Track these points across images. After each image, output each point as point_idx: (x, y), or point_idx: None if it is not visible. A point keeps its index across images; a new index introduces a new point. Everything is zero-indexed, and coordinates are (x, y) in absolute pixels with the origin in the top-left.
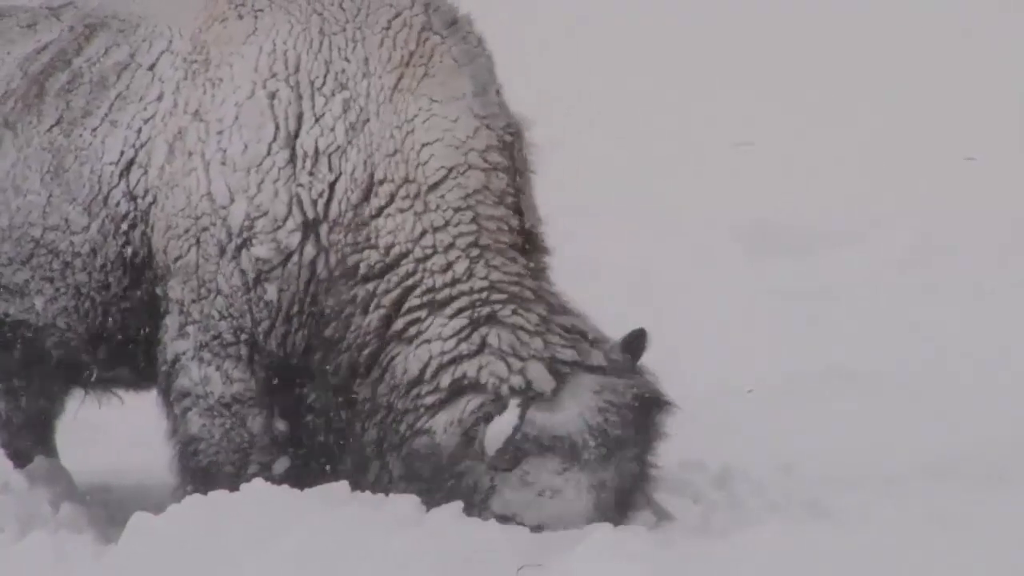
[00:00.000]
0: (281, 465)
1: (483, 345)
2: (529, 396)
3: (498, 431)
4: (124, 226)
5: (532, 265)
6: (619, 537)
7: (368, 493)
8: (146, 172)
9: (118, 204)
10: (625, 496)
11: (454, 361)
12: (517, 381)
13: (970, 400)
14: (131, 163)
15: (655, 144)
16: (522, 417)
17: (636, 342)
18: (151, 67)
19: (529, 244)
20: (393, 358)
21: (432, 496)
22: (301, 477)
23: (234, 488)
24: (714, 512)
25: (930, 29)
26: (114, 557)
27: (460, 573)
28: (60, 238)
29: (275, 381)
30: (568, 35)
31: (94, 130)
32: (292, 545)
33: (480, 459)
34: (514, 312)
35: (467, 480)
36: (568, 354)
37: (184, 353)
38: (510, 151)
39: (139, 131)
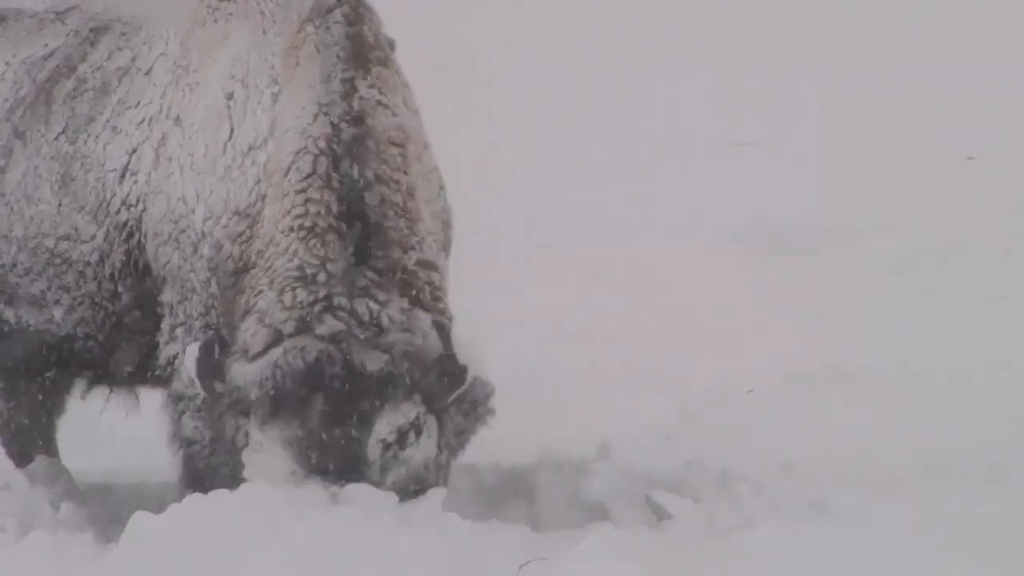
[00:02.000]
0: None
1: (260, 313)
2: (241, 346)
3: (187, 362)
4: (124, 234)
5: (357, 250)
6: (619, 537)
7: (368, 493)
8: (136, 179)
9: (118, 212)
10: (328, 463)
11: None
12: (248, 342)
13: (970, 400)
14: (126, 170)
15: (655, 144)
16: (204, 348)
17: (441, 334)
18: (148, 71)
19: (365, 229)
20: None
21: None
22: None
23: (231, 489)
24: (714, 512)
25: (930, 28)
26: (114, 557)
27: (460, 573)
28: (72, 247)
29: None
30: (569, 35)
31: (97, 137)
32: (292, 545)
33: (228, 414)
34: (291, 289)
35: (229, 440)
36: (292, 327)
37: (176, 356)
38: (342, 138)
39: (132, 136)
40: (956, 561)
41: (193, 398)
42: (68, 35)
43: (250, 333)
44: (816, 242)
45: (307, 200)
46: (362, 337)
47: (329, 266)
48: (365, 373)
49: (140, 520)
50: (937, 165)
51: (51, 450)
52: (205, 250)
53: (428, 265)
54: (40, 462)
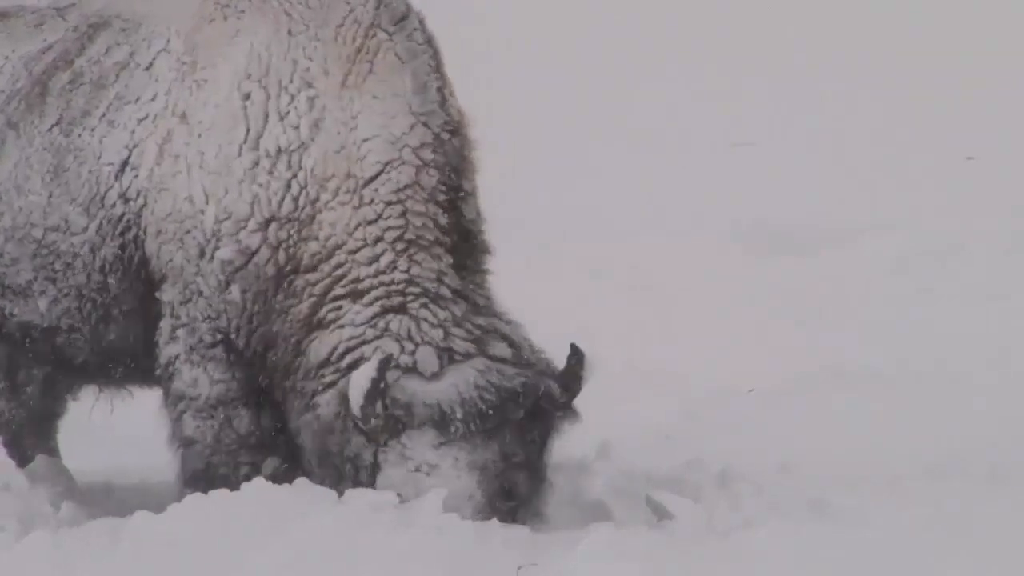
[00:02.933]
0: (270, 465)
1: (385, 330)
2: (403, 365)
3: (358, 380)
4: (120, 228)
5: (459, 263)
6: (619, 537)
7: (368, 493)
8: (137, 174)
9: (114, 205)
10: (514, 488)
11: (359, 344)
12: (405, 360)
13: (970, 400)
14: (125, 164)
15: (655, 144)
16: (381, 369)
17: (575, 359)
18: (148, 67)
19: (462, 242)
20: (311, 343)
21: (339, 483)
22: (291, 476)
23: (231, 488)
24: (714, 512)
25: (930, 28)
26: (115, 557)
27: (460, 573)
28: (61, 239)
29: (254, 381)
30: (569, 35)
31: (92, 130)
32: (292, 545)
33: (359, 431)
34: (423, 306)
35: (351, 456)
36: (466, 347)
37: (177, 356)
38: (445, 149)
39: (133, 132)
40: (956, 561)
41: (195, 398)
42: (67, 30)
43: (398, 350)
44: (816, 242)
45: (405, 211)
46: (534, 362)
47: (447, 280)
48: (559, 403)
49: (141, 520)
50: (937, 165)
51: (51, 450)
52: (222, 254)
53: (488, 273)
54: (40, 462)
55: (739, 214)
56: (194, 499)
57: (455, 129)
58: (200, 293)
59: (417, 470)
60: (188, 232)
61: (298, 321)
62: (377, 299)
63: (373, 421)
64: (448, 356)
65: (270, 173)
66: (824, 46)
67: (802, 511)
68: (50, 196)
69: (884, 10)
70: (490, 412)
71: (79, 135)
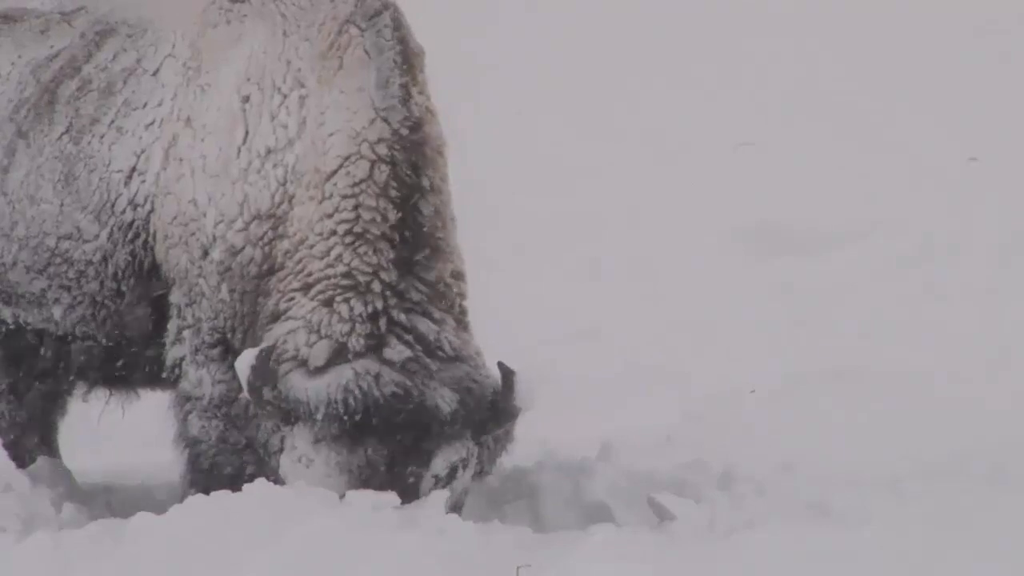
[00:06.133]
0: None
1: (308, 322)
2: (300, 357)
3: (240, 366)
4: (130, 234)
5: (406, 259)
6: (621, 538)
7: (369, 494)
8: (144, 179)
9: (123, 212)
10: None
11: (287, 334)
12: (304, 353)
13: (970, 400)
14: (133, 170)
15: (656, 144)
16: (262, 357)
17: (506, 384)
18: (155, 72)
19: (415, 239)
20: (264, 336)
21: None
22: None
23: (235, 488)
24: (715, 512)
25: (931, 29)
26: (116, 558)
27: (460, 573)
28: (73, 247)
29: None
30: (571, 35)
31: (102, 137)
32: (292, 545)
33: (263, 416)
34: (345, 300)
35: (263, 442)
36: (360, 343)
37: (183, 358)
38: (403, 145)
39: (140, 138)
40: (956, 561)
41: (200, 398)
42: (74, 37)
43: (303, 342)
44: (817, 242)
45: (358, 206)
46: (433, 369)
47: (383, 275)
48: (439, 415)
49: (142, 521)
50: (939, 165)
51: (52, 451)
52: (216, 254)
53: (460, 276)
54: (42, 463)
55: (740, 214)
56: (195, 500)
57: (415, 125)
58: (203, 294)
59: (299, 461)
60: (192, 235)
61: (265, 318)
62: (319, 292)
63: (265, 407)
64: (341, 353)
65: (259, 172)
66: (825, 47)
67: (802, 511)
68: (62, 205)
69: (885, 11)
70: (345, 418)
71: (89, 143)
